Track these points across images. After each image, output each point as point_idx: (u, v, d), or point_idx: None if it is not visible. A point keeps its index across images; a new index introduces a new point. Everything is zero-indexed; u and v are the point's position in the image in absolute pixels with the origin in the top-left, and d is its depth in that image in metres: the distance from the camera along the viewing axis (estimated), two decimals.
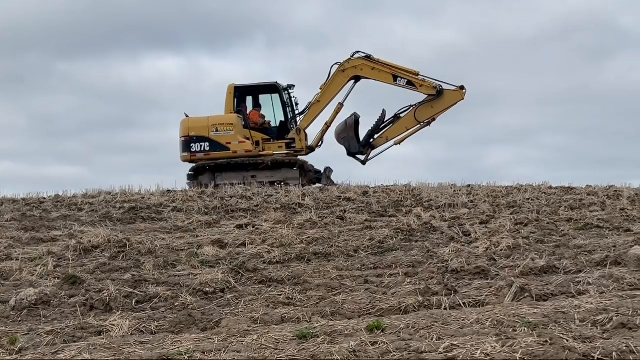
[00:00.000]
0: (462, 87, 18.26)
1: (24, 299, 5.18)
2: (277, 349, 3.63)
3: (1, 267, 6.65)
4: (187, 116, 19.13)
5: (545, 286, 5.28)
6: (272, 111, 19.85)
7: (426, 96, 18.37)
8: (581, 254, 6.93)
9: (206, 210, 12.04)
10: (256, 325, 4.32)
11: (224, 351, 3.61)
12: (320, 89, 18.90)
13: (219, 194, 14.57)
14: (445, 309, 4.71)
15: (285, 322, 4.47)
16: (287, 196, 13.75)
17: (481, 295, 5.09)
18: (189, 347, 3.69)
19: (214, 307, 5.12)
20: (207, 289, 5.64)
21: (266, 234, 8.75)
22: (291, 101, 19.61)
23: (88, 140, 50.82)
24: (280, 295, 5.36)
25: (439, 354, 3.37)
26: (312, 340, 3.75)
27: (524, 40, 53.98)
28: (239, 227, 9.82)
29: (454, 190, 15.59)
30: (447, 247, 7.48)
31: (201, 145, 18.65)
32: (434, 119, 18.56)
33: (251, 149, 18.73)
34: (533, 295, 4.94)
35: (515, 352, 3.32)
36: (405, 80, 18.28)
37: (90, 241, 8.02)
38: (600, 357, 3.24)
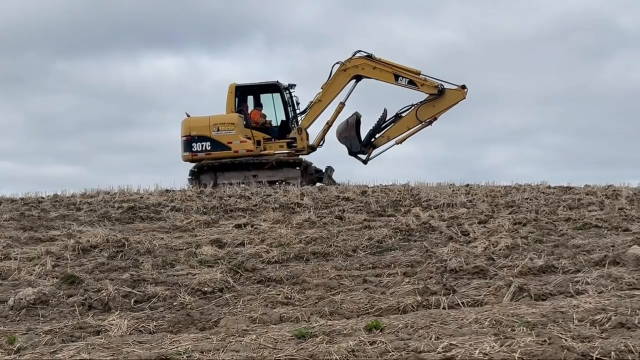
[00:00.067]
0: (463, 87, 18.27)
1: (22, 299, 5.17)
2: (275, 349, 3.62)
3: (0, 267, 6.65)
4: (188, 116, 19.13)
5: (544, 286, 5.28)
6: (273, 110, 19.86)
7: (427, 95, 18.38)
8: (580, 253, 6.93)
9: (205, 210, 12.04)
10: (255, 325, 4.31)
11: (223, 351, 3.61)
12: (322, 88, 18.90)
13: (218, 193, 14.56)
14: (444, 308, 4.71)
15: (284, 322, 4.47)
16: (285, 196, 13.75)
17: (480, 295, 5.09)
18: (187, 346, 3.68)
19: (212, 307, 5.12)
20: (206, 289, 5.63)
21: (265, 234, 8.74)
22: (292, 100, 19.61)
23: (87, 140, 50.88)
24: (279, 294, 5.36)
25: (438, 353, 3.37)
26: (310, 340, 3.75)
27: (523, 40, 54.08)
28: (238, 226, 9.82)
29: (453, 190, 15.60)
30: (445, 246, 7.47)
31: (202, 145, 18.65)
32: (435, 118, 18.57)
33: (252, 148, 18.73)
34: (531, 294, 4.94)
35: (513, 351, 3.32)
36: (407, 80, 18.28)
37: (88, 241, 8.02)
38: (598, 356, 3.25)
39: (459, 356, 3.32)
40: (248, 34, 58.55)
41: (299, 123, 19.25)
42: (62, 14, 54.78)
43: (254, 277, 6.24)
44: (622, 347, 3.29)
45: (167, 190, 15.64)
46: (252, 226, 9.73)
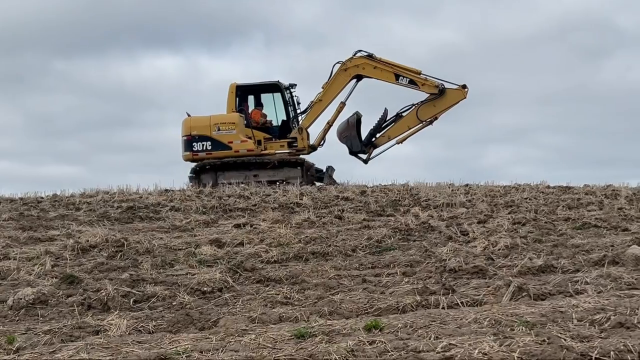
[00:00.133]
0: (464, 86, 18.27)
1: (21, 299, 5.17)
2: (275, 349, 3.62)
3: None
4: (189, 115, 19.12)
5: (543, 285, 5.28)
6: (273, 110, 19.85)
7: (428, 95, 18.38)
8: (579, 253, 6.93)
9: (204, 210, 12.03)
10: (254, 325, 4.31)
11: (222, 350, 3.61)
12: (322, 87, 18.90)
13: (217, 193, 14.56)
14: (443, 308, 4.71)
15: (283, 322, 4.47)
16: (285, 195, 13.75)
17: (479, 295, 5.09)
18: (186, 346, 3.68)
19: (211, 307, 5.12)
20: (205, 289, 5.63)
21: (264, 234, 8.74)
22: (293, 100, 19.60)
23: (86, 140, 50.88)
24: (278, 294, 5.36)
25: (437, 353, 3.37)
26: (310, 340, 3.74)
27: (522, 40, 54.10)
28: (237, 226, 9.82)
29: (452, 190, 15.60)
30: (444, 246, 7.48)
31: (203, 145, 18.65)
32: (436, 118, 18.57)
33: (253, 148, 18.73)
34: (531, 294, 4.94)
35: (512, 351, 3.32)
36: (408, 79, 18.28)
37: (87, 240, 8.01)
38: (597, 356, 3.25)
39: (458, 356, 3.32)
40: (247, 34, 58.60)
41: (300, 123, 19.25)
42: (62, 14, 54.79)
43: (253, 277, 6.24)
44: (622, 347, 3.29)
45: (166, 190, 15.63)
46: (251, 226, 9.72)
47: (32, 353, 3.77)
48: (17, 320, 4.86)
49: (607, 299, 4.49)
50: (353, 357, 3.43)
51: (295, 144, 19.09)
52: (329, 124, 19.38)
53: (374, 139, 19.11)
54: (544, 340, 3.47)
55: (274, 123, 19.80)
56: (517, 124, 51.85)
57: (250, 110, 19.56)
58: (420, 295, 5.08)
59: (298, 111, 19.48)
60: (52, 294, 5.33)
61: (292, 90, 19.63)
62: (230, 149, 18.56)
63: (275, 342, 3.74)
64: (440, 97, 18.23)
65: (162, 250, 7.74)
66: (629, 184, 16.94)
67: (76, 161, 50.15)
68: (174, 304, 5.24)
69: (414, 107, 18.65)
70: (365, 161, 19.30)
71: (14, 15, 50.23)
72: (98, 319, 4.59)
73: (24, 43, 53.21)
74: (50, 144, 52.03)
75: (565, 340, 3.49)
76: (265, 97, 19.91)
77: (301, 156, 19.05)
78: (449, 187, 16.45)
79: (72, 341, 4.07)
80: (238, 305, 5.12)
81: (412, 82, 18.30)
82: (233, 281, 5.93)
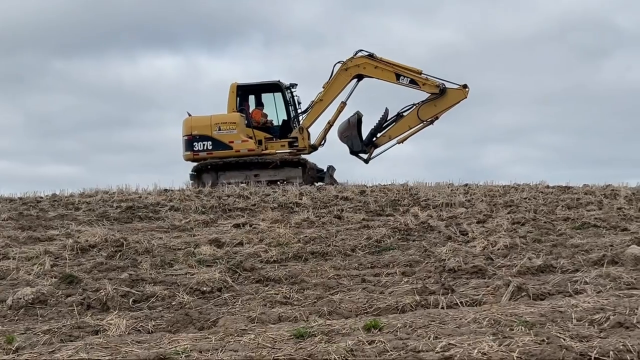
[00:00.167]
0: (465, 86, 18.29)
1: (20, 298, 5.17)
2: (274, 348, 3.62)
3: None
4: (189, 115, 19.13)
5: (542, 285, 5.28)
6: (274, 110, 19.86)
7: (429, 95, 18.40)
8: (578, 253, 6.93)
9: (203, 210, 12.03)
10: (253, 325, 4.31)
11: (221, 350, 3.61)
12: (323, 87, 18.91)
13: (216, 193, 14.56)
14: (443, 308, 4.71)
15: (283, 321, 4.47)
16: (284, 195, 13.75)
17: (478, 295, 5.09)
18: (186, 346, 3.68)
19: (211, 307, 5.12)
20: (204, 288, 5.63)
21: (263, 233, 8.74)
22: (293, 100, 19.60)
23: (85, 140, 50.89)
24: (278, 294, 5.36)
25: (436, 353, 3.37)
26: (309, 340, 3.74)
27: (521, 40, 54.13)
28: (236, 226, 9.82)
29: (451, 190, 15.60)
30: (444, 246, 7.48)
31: (204, 144, 18.66)
32: (437, 118, 18.60)
33: (254, 147, 18.74)
34: (530, 294, 4.94)
35: (512, 351, 3.32)
36: (408, 79, 18.30)
37: (87, 240, 8.01)
38: (597, 356, 3.25)
39: (458, 356, 3.32)
40: (246, 34, 58.61)
41: (301, 122, 19.25)
42: (60, 14, 54.80)
43: (252, 277, 6.23)
44: (621, 347, 3.29)
45: (165, 190, 15.63)
46: (250, 226, 9.72)
47: (31, 353, 3.76)
48: (17, 320, 4.86)
49: (606, 299, 4.49)
50: (352, 357, 3.43)
51: (296, 144, 19.10)
52: (330, 124, 19.39)
53: (374, 139, 19.12)
54: (543, 340, 3.47)
55: (275, 123, 19.81)
56: (516, 123, 51.92)
57: (251, 110, 19.57)
58: (420, 295, 5.08)
59: (299, 111, 19.50)
60: (51, 294, 5.33)
61: (292, 90, 19.64)
62: (231, 148, 18.57)
63: (275, 342, 3.74)
64: (441, 97, 18.25)
65: (162, 250, 7.74)
66: (628, 183, 16.98)
67: (75, 161, 50.18)
68: (173, 303, 5.24)
69: (414, 106, 18.67)
70: (366, 161, 19.31)
71: (13, 15, 50.24)
72: (97, 319, 4.59)
73: (23, 43, 53.25)
74: (49, 143, 52.07)
75: (564, 340, 3.49)
76: (266, 97, 19.92)
77: (303, 156, 19.05)
78: (449, 187, 16.46)
79: (71, 341, 4.07)
80: (237, 305, 5.12)
81: (413, 82, 18.32)
82: (232, 281, 5.92)
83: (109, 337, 4.13)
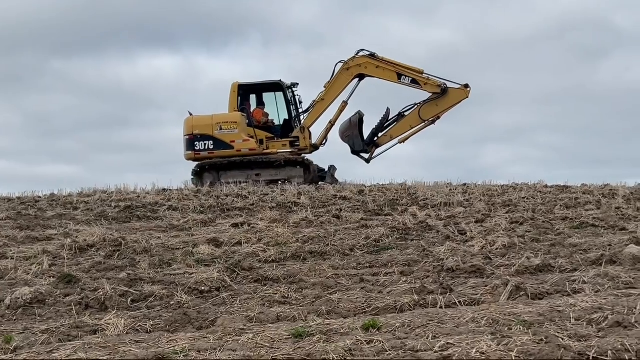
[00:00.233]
0: (466, 86, 18.28)
1: (19, 298, 5.16)
2: (272, 348, 3.62)
3: None
4: (191, 114, 19.10)
5: (541, 285, 5.29)
6: (275, 109, 19.85)
7: (430, 94, 18.40)
8: (576, 252, 6.93)
9: (202, 209, 12.03)
10: (252, 324, 4.31)
11: (220, 350, 3.61)
12: (325, 87, 18.90)
13: (215, 192, 14.55)
14: (441, 307, 4.71)
15: (281, 321, 4.47)
16: (282, 195, 13.75)
17: (477, 294, 5.09)
18: (184, 345, 3.68)
19: (209, 306, 5.12)
20: (203, 288, 5.63)
21: (262, 233, 8.74)
22: (295, 99, 19.59)
23: (83, 139, 50.89)
24: (276, 294, 5.36)
25: (435, 352, 3.37)
26: (307, 339, 3.74)
27: (521, 40, 54.17)
28: (235, 225, 9.82)
29: (450, 189, 15.61)
30: (442, 245, 7.48)
31: (205, 144, 18.63)
32: (438, 117, 18.59)
33: (255, 147, 18.72)
34: (528, 293, 4.94)
35: (510, 350, 3.32)
36: (410, 79, 18.29)
37: (85, 240, 8.01)
38: (595, 355, 3.25)
39: (456, 355, 3.32)
40: (245, 34, 58.61)
41: (302, 122, 19.24)
42: (59, 13, 54.77)
43: (251, 277, 6.23)
44: (619, 346, 3.30)
45: (164, 190, 15.62)
46: (249, 225, 9.72)
47: (29, 352, 3.76)
48: (15, 320, 4.85)
49: (604, 298, 4.49)
50: (351, 357, 3.43)
51: (298, 143, 19.08)
52: (331, 123, 19.38)
53: (376, 139, 19.12)
54: (541, 340, 3.47)
55: (276, 122, 19.80)
56: (515, 123, 51.97)
57: (252, 110, 19.55)
58: (418, 294, 5.08)
59: (300, 110, 19.49)
60: (49, 294, 5.33)
61: (294, 89, 19.61)
62: (233, 148, 18.56)
63: (273, 341, 3.74)
64: (442, 97, 18.25)
65: (160, 249, 7.74)
66: (626, 183, 17.00)
67: (74, 160, 50.19)
68: (171, 303, 5.23)
69: (416, 106, 18.66)
70: (368, 160, 19.31)
71: (12, 15, 50.20)
72: (96, 319, 4.59)
73: (22, 42, 53.22)
74: (47, 143, 52.05)
75: (562, 339, 3.49)
76: (267, 96, 19.91)
77: (306, 156, 19.04)
78: (447, 187, 16.47)
79: (69, 341, 4.07)
80: (236, 305, 5.11)
81: (414, 82, 18.31)
82: (231, 280, 5.92)
83: (107, 336, 4.13)
